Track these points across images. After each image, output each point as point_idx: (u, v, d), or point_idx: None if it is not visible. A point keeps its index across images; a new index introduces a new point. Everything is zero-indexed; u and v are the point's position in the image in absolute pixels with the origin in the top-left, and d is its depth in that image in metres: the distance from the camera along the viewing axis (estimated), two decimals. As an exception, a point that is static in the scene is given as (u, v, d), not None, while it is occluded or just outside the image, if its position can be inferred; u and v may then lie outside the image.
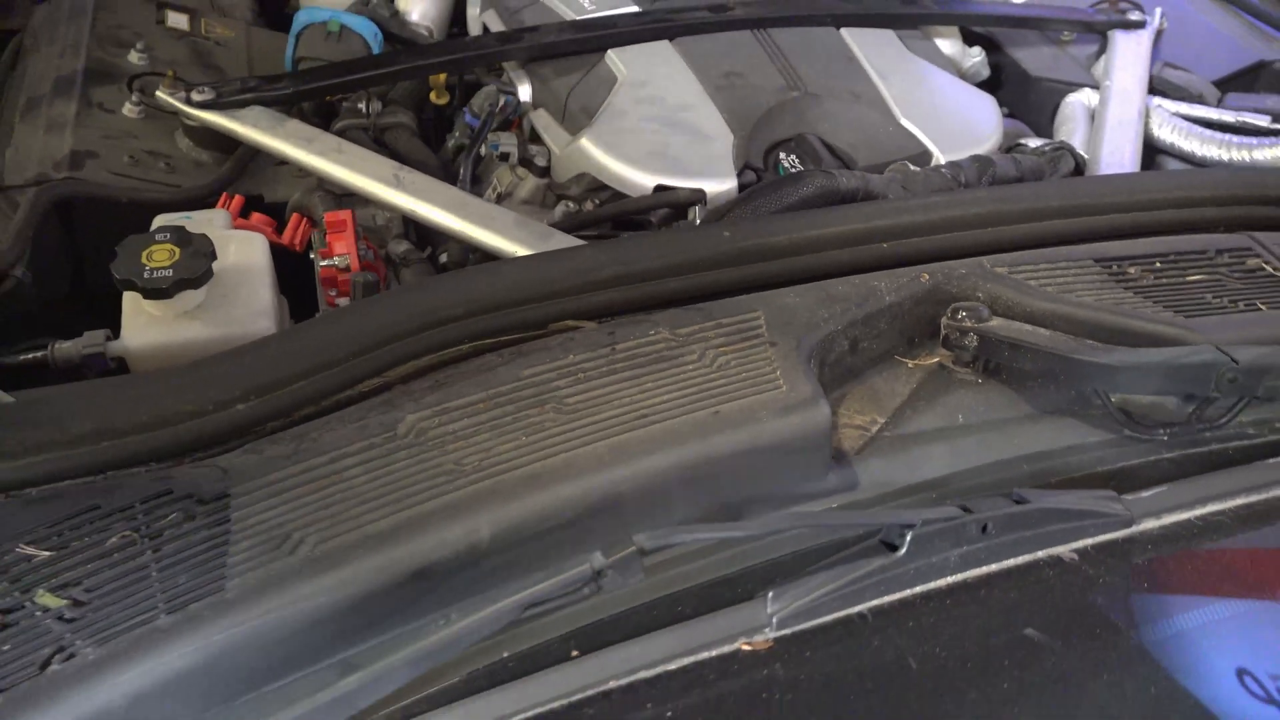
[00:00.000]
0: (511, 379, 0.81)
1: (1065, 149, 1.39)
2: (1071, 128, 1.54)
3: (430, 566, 0.68)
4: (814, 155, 1.27)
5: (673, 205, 1.21)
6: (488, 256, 1.16)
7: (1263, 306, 0.95)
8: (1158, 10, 1.73)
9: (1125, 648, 0.75)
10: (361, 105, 1.40)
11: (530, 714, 0.64)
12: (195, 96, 1.26)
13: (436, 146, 1.43)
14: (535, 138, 1.41)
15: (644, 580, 0.66)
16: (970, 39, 1.68)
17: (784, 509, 0.79)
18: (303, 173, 1.29)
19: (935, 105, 1.43)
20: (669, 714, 0.64)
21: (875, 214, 1.04)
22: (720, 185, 1.25)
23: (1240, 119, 1.53)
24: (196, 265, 0.98)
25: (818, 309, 0.90)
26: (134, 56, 1.40)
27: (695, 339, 0.85)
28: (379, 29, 1.49)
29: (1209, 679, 0.72)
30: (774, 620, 0.69)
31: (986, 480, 0.84)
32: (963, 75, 1.60)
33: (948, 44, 1.62)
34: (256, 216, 1.26)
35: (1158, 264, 1.00)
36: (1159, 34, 1.72)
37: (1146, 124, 1.53)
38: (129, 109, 1.33)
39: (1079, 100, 1.59)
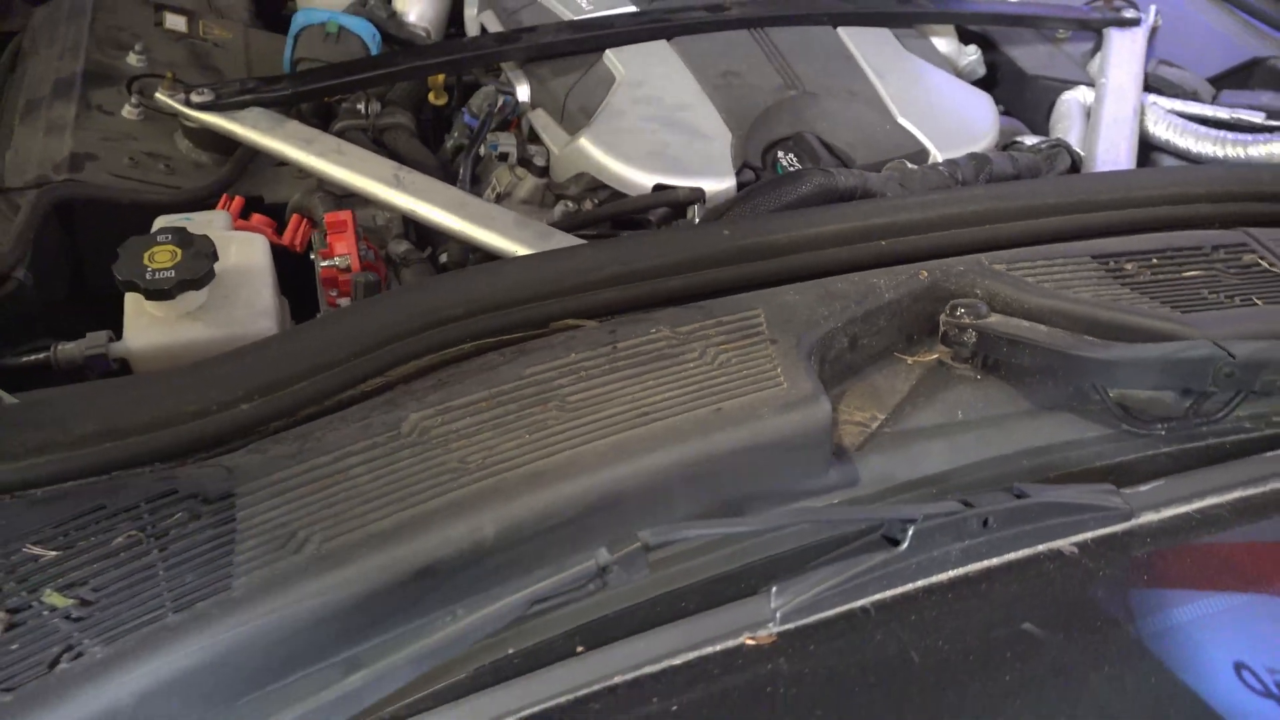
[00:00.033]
0: (514, 378, 0.81)
1: (1061, 146, 1.40)
2: (1067, 125, 1.55)
3: (435, 564, 0.69)
4: (812, 154, 1.28)
5: (672, 204, 1.22)
6: (488, 256, 1.16)
7: (1259, 301, 0.96)
8: (1152, 8, 1.74)
9: (1125, 641, 0.76)
10: (360, 106, 1.40)
11: (537, 709, 0.64)
12: (195, 98, 1.27)
13: (435, 147, 1.43)
14: (534, 138, 1.41)
15: (648, 576, 0.66)
16: (966, 37, 1.69)
17: (785, 505, 0.80)
18: (302, 174, 1.30)
19: (932, 103, 1.43)
20: (674, 708, 0.65)
21: (874, 212, 1.05)
22: (719, 184, 1.25)
23: (1235, 116, 1.54)
24: (198, 266, 0.98)
25: (817, 306, 0.90)
26: (133, 58, 1.41)
27: (696, 337, 0.86)
28: (377, 30, 1.50)
29: (1207, 673, 0.72)
30: (777, 615, 0.70)
31: (986, 475, 0.85)
32: (959, 73, 1.61)
33: (944, 42, 1.63)
34: (256, 217, 1.26)
35: (1154, 260, 1.01)
36: (1154, 31, 1.73)
37: (1142, 121, 1.54)
38: (128, 111, 1.33)
39: (1074, 98, 1.59)
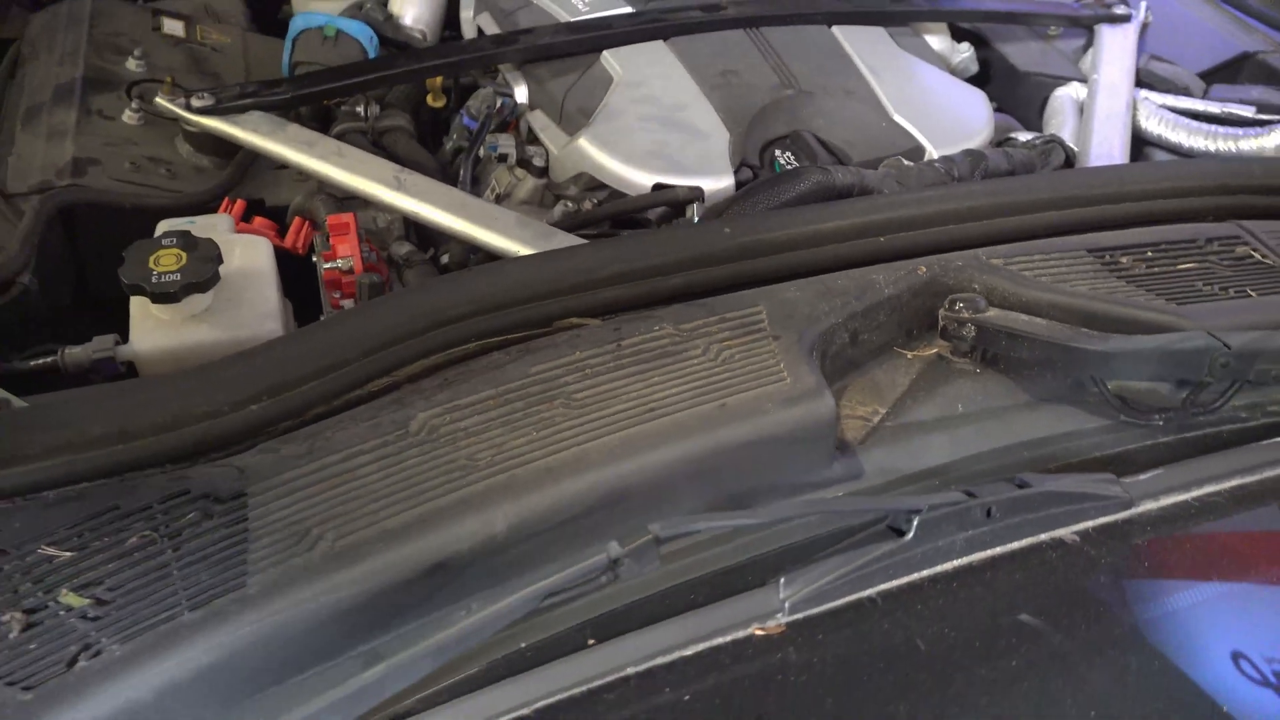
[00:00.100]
0: (520, 376, 0.82)
1: (1056, 142, 1.42)
2: (1061, 121, 1.57)
3: (447, 560, 0.70)
4: (809, 152, 1.29)
5: (671, 203, 1.22)
6: (490, 256, 1.17)
7: (1253, 293, 0.97)
8: (1143, 4, 1.75)
9: (1126, 628, 0.77)
10: (359, 109, 1.41)
11: (551, 700, 0.65)
12: (195, 102, 1.27)
13: (433, 149, 1.44)
14: (532, 138, 1.42)
15: (659, 568, 0.67)
16: (959, 35, 1.70)
17: (791, 499, 0.81)
18: (303, 177, 1.30)
19: (927, 101, 1.44)
20: (686, 698, 0.66)
21: (871, 209, 1.06)
22: (718, 183, 1.26)
23: (1226, 110, 1.56)
24: (204, 269, 0.99)
25: (818, 302, 0.91)
26: (132, 64, 1.41)
27: (699, 334, 0.87)
28: (374, 33, 1.51)
29: (1205, 662, 0.73)
30: (786, 605, 0.71)
31: (987, 467, 0.86)
32: (952, 71, 1.62)
33: (937, 40, 1.64)
34: (258, 220, 1.27)
35: (1149, 253, 1.02)
36: (1144, 27, 1.74)
37: (1134, 116, 1.55)
38: (129, 116, 1.34)
39: (1067, 94, 1.61)
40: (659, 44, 1.42)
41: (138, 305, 1.02)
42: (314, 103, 1.39)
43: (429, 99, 1.48)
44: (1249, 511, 0.83)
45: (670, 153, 1.28)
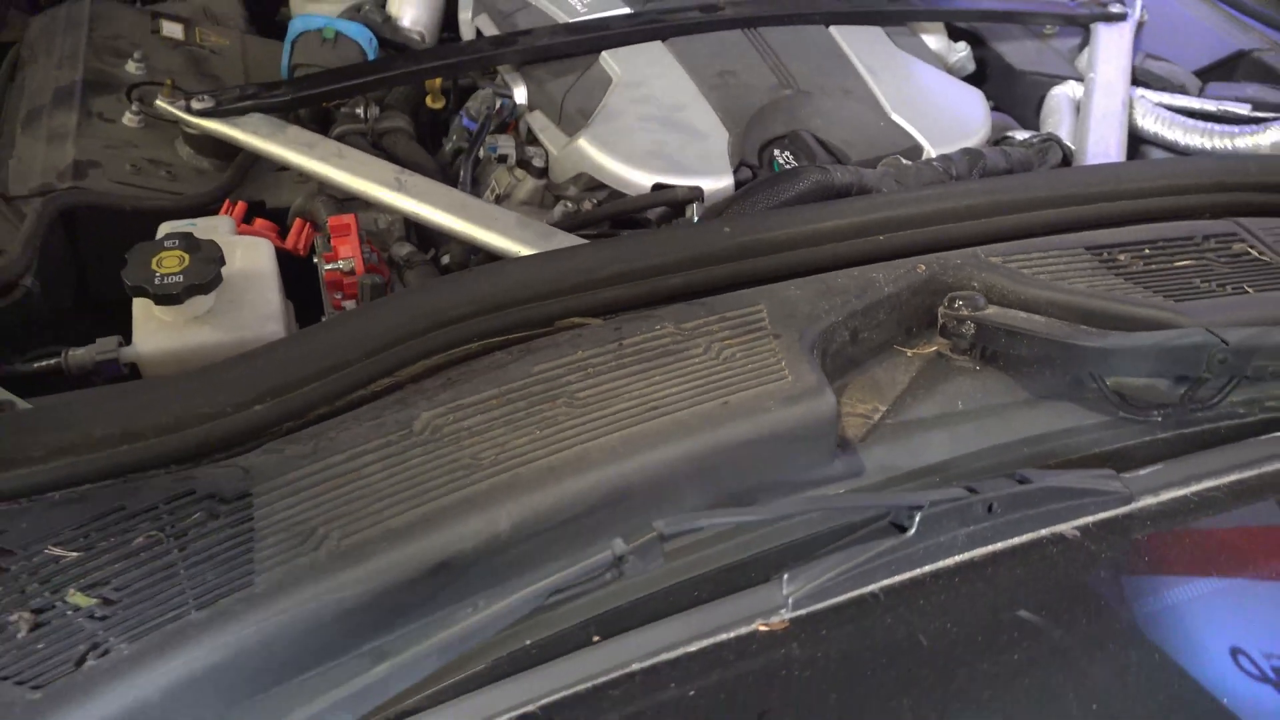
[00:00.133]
0: (522, 375, 0.83)
1: (1053, 140, 1.42)
2: (1057, 119, 1.57)
3: (452, 559, 0.70)
4: (808, 151, 1.30)
5: (671, 203, 1.23)
6: (490, 257, 1.18)
7: (1249, 289, 0.97)
8: (1138, 2, 1.76)
9: (1126, 622, 0.77)
10: (359, 110, 1.41)
11: (556, 697, 0.65)
12: (195, 105, 1.28)
13: (433, 150, 1.44)
14: (532, 139, 1.43)
15: (664, 565, 0.67)
16: (955, 34, 1.71)
17: (792, 496, 0.81)
18: (303, 178, 1.31)
19: (924, 100, 1.45)
20: (690, 694, 0.66)
21: (871, 207, 1.06)
22: (717, 182, 1.27)
23: (1221, 108, 1.57)
24: (206, 271, 0.99)
25: (818, 301, 0.92)
26: (131, 66, 1.41)
27: (700, 333, 0.87)
28: (373, 35, 1.51)
29: (1205, 657, 0.74)
30: (789, 601, 0.71)
31: (987, 464, 0.86)
32: (949, 70, 1.63)
33: (933, 39, 1.65)
34: (259, 222, 1.27)
35: (1147, 250, 1.03)
36: (1140, 26, 1.75)
37: (1130, 114, 1.56)
38: (129, 118, 1.34)
39: (1064, 93, 1.62)
40: (657, 44, 1.43)
41: (140, 307, 1.02)
42: (314, 104, 1.39)
43: (428, 100, 1.48)
44: (1247, 506, 0.84)
45: (669, 153, 1.29)
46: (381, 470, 0.75)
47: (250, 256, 1.10)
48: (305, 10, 1.62)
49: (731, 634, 0.70)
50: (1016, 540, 0.77)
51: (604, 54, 1.40)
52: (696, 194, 1.23)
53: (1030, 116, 1.64)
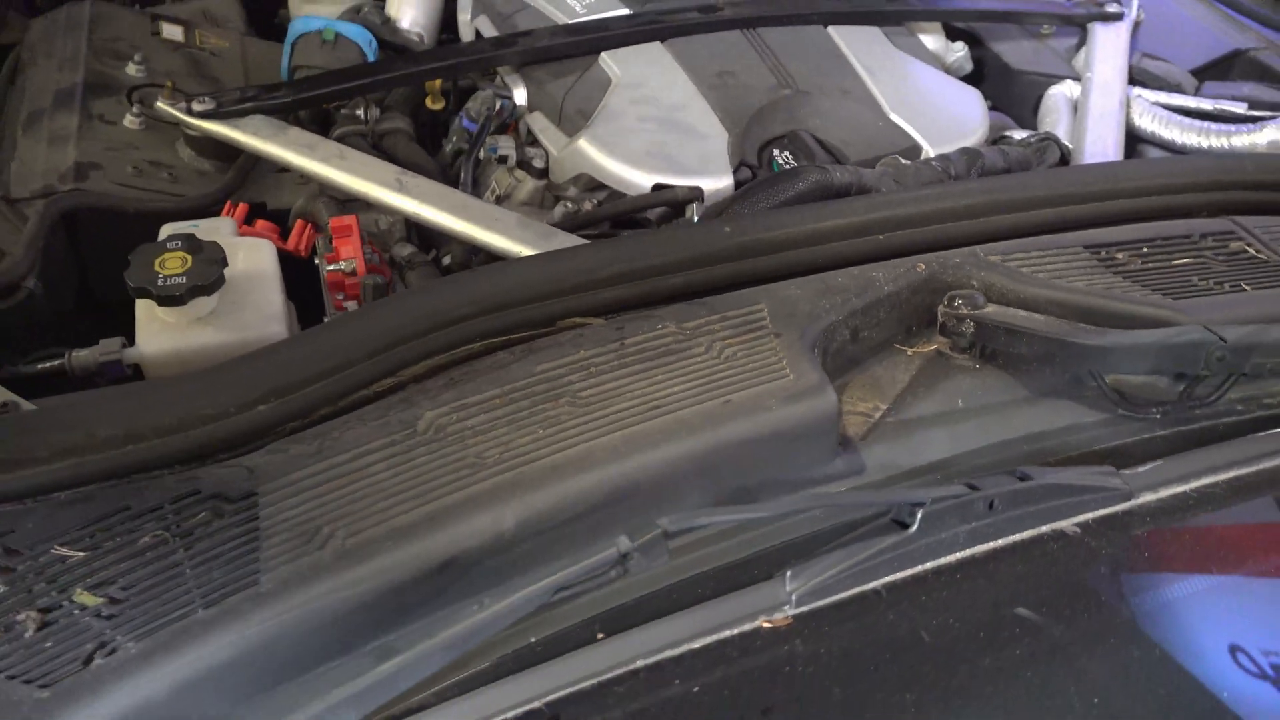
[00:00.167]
0: (525, 375, 0.83)
1: (1050, 140, 1.43)
2: (1055, 119, 1.58)
3: (457, 557, 0.70)
4: (807, 151, 1.30)
5: (671, 203, 1.23)
6: (491, 257, 1.18)
7: (1247, 287, 0.98)
8: (1134, 2, 1.77)
9: (1125, 619, 0.78)
10: (359, 112, 1.42)
11: (561, 694, 0.66)
12: (196, 107, 1.28)
13: (433, 151, 1.45)
14: (532, 140, 1.43)
15: (668, 562, 0.68)
16: (953, 34, 1.71)
17: (795, 493, 0.82)
18: (304, 179, 1.31)
19: (923, 100, 1.46)
20: (695, 690, 0.67)
21: (870, 207, 1.07)
22: (717, 182, 1.27)
23: (1218, 107, 1.58)
24: (209, 272, 1.00)
25: (819, 300, 0.92)
26: (132, 68, 1.42)
27: (702, 332, 0.88)
28: (373, 36, 1.51)
29: (1204, 654, 0.74)
30: (793, 598, 0.72)
31: (987, 461, 0.87)
32: (947, 70, 1.63)
33: (931, 39, 1.65)
34: (260, 223, 1.27)
35: (1144, 249, 1.03)
36: (1136, 25, 1.76)
37: (1128, 114, 1.57)
38: (130, 120, 1.34)
39: (1061, 92, 1.62)
40: (656, 45, 1.43)
41: (143, 308, 1.03)
42: (314, 106, 1.40)
43: (428, 101, 1.49)
44: (1246, 503, 0.84)
45: (669, 153, 1.29)
46: (386, 469, 0.76)
47: (252, 258, 1.10)
48: (304, 12, 1.62)
49: (735, 631, 0.70)
50: (1017, 537, 0.78)
51: (603, 55, 1.41)
52: (696, 194, 1.23)
53: (1028, 116, 1.65)
